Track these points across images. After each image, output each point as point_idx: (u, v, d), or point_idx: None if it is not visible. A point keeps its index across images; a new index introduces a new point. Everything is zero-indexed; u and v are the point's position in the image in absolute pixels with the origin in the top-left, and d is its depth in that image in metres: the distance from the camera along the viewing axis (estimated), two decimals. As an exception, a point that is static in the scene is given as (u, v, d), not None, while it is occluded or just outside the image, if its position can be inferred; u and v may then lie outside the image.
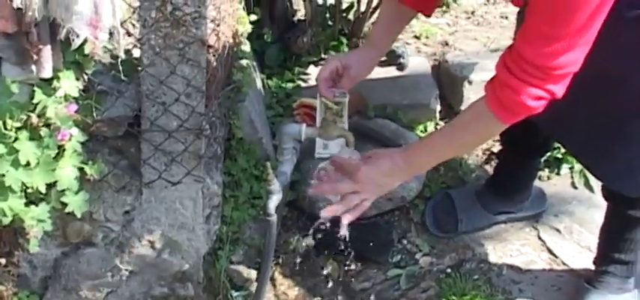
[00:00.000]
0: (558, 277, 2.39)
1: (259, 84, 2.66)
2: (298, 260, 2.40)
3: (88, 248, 2.02)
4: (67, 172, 1.83)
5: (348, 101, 1.87)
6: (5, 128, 1.73)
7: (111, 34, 1.75)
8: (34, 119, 1.78)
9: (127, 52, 1.97)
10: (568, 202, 2.65)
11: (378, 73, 2.52)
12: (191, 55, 1.84)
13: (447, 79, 3.01)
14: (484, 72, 2.92)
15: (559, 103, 1.55)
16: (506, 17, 3.48)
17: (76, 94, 1.83)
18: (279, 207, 1.88)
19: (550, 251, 2.47)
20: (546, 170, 2.77)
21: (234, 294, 2.20)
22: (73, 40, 1.71)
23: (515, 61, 1.52)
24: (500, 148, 2.59)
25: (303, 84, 2.93)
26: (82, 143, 1.86)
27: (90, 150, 1.92)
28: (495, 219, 2.53)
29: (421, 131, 2.86)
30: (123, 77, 1.89)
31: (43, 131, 1.78)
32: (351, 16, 3.15)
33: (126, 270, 2.05)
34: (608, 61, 1.54)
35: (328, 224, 1.88)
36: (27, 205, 1.81)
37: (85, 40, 1.75)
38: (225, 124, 2.25)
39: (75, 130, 1.83)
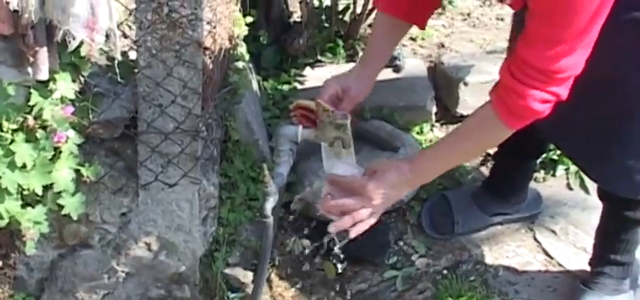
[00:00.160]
0: (554, 279, 2.39)
1: (255, 86, 2.66)
2: (294, 262, 2.41)
3: (84, 250, 2.02)
4: (63, 174, 1.83)
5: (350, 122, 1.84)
6: (1, 130, 1.73)
7: (107, 36, 1.75)
8: (31, 121, 1.78)
9: (124, 54, 1.97)
10: (563, 204, 2.66)
11: (374, 74, 2.52)
12: (187, 57, 1.84)
13: (442, 81, 3.01)
14: (480, 74, 2.94)
15: (556, 106, 1.56)
16: (502, 19, 3.49)
17: (73, 96, 1.83)
18: (275, 208, 1.89)
19: (546, 252, 2.48)
20: (542, 172, 2.78)
21: (231, 296, 2.20)
22: (70, 42, 1.71)
23: (518, 66, 1.53)
24: (495, 150, 2.59)
25: (299, 86, 2.93)
26: (79, 145, 1.86)
27: (86, 152, 1.92)
28: (491, 220, 2.54)
29: (417, 133, 2.87)
30: (119, 79, 1.89)
31: (40, 133, 1.78)
32: (347, 18, 3.16)
33: (122, 272, 2.05)
34: (605, 64, 1.54)
35: (336, 235, 1.87)
36: (23, 207, 1.80)
37: (82, 42, 1.75)
38: (222, 125, 2.25)
39: (71, 132, 1.83)
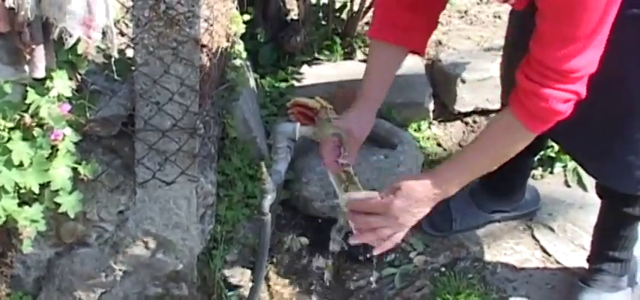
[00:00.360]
0: (552, 276, 2.39)
1: (253, 83, 2.66)
2: (292, 259, 2.40)
3: (81, 248, 2.01)
4: (60, 172, 1.82)
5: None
6: (-2, 128, 1.73)
7: (104, 33, 1.74)
8: (27, 119, 1.77)
9: (121, 51, 1.96)
10: (561, 201, 2.66)
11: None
12: (185, 55, 1.84)
13: (440, 78, 3.01)
14: (477, 71, 2.94)
15: (576, 105, 1.56)
16: (499, 17, 3.48)
17: (69, 94, 1.82)
18: (273, 206, 1.88)
19: (544, 250, 2.48)
20: (540, 169, 2.78)
21: (229, 293, 2.20)
22: (66, 39, 1.70)
23: (533, 68, 1.53)
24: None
25: (296, 83, 2.92)
26: (76, 143, 1.85)
27: (83, 150, 1.92)
28: (489, 218, 2.53)
29: (415, 130, 2.87)
30: (116, 77, 1.88)
31: (36, 131, 1.77)
32: (344, 16, 3.16)
33: (120, 270, 2.04)
34: (607, 60, 1.55)
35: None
36: (20, 205, 1.80)
37: (78, 40, 1.74)
38: (219, 123, 2.25)
39: (68, 130, 1.82)
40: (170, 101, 1.88)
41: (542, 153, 2.68)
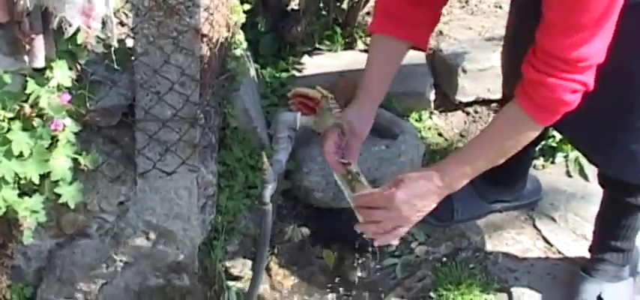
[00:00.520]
0: (554, 266, 2.39)
1: (253, 73, 2.65)
2: (294, 249, 2.40)
3: (82, 239, 2.01)
4: (60, 162, 1.82)
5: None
6: (-2, 119, 1.72)
7: (104, 23, 1.74)
8: (27, 109, 1.76)
9: (121, 41, 1.96)
10: (563, 191, 2.66)
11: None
12: (185, 44, 1.83)
13: (441, 68, 3.01)
14: (478, 61, 2.93)
15: (584, 96, 1.55)
16: (500, 6, 3.48)
17: (69, 84, 1.81)
18: (274, 196, 1.88)
19: (545, 240, 2.48)
20: (541, 159, 2.78)
21: (230, 284, 2.20)
22: (66, 29, 1.69)
23: (540, 58, 1.52)
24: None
25: (297, 73, 2.92)
26: (76, 133, 1.85)
27: (84, 140, 1.91)
28: (491, 208, 2.53)
29: (416, 120, 2.86)
30: (116, 66, 1.88)
31: (36, 121, 1.77)
32: (345, 5, 3.14)
33: (121, 261, 2.04)
34: (614, 49, 1.54)
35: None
36: (20, 196, 1.79)
37: (78, 30, 1.73)
38: (220, 113, 2.24)
39: (68, 120, 1.81)
40: (170, 91, 1.87)
41: (543, 143, 2.68)
